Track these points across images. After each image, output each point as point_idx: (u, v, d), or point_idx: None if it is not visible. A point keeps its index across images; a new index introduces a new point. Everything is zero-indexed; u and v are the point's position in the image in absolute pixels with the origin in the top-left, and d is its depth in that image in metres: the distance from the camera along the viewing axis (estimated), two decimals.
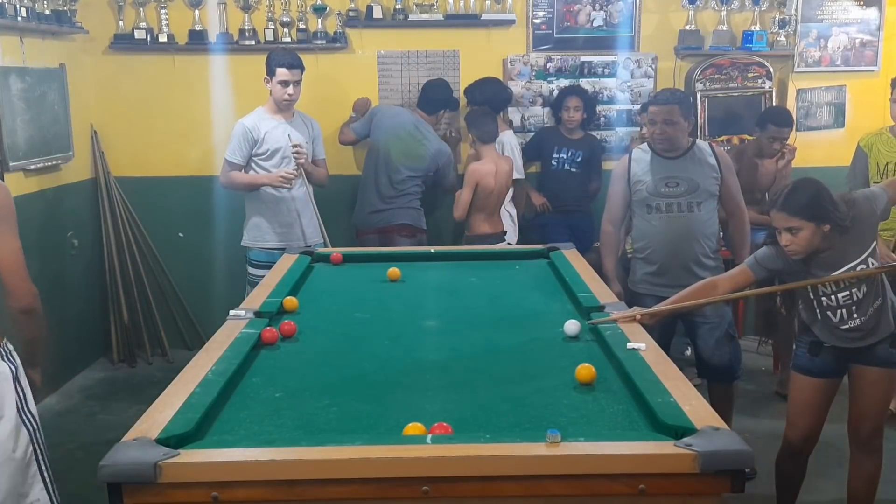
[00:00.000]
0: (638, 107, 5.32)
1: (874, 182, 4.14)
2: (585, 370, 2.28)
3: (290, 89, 4.34)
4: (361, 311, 3.09)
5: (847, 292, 2.91)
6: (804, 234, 2.82)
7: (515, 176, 5.08)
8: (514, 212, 5.18)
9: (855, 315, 2.92)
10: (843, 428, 3.17)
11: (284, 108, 4.43)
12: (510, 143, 5.15)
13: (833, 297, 2.93)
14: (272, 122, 4.43)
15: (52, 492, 2.64)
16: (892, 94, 4.20)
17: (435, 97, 5.03)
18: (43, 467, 2.61)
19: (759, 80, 5.34)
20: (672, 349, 3.80)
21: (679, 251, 3.71)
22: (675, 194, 3.70)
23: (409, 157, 4.88)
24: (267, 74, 4.35)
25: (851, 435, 3.12)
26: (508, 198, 5.05)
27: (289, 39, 5.22)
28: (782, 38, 5.39)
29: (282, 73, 4.30)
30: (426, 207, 5.16)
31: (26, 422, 2.56)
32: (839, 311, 2.94)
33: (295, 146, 4.40)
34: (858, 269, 2.88)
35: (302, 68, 4.37)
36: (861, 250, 2.89)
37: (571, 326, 2.70)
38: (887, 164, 4.26)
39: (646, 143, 3.88)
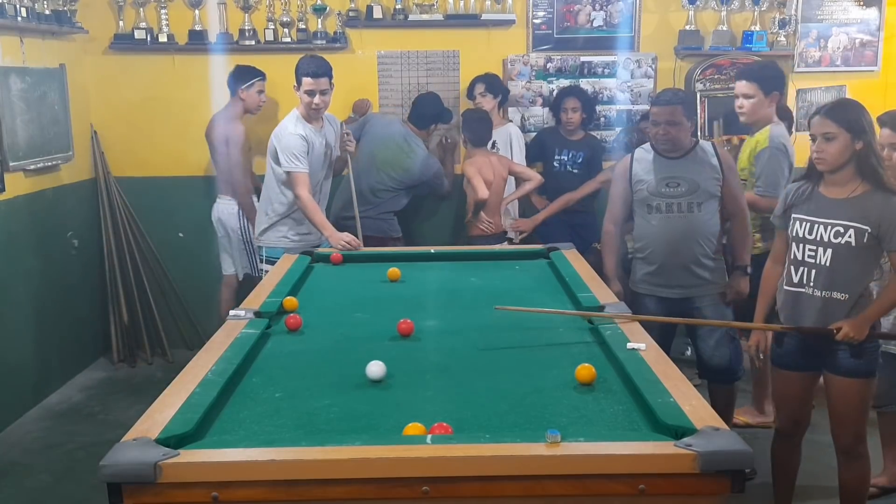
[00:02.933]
0: (638, 107, 5.32)
1: None
2: (585, 370, 2.28)
3: (317, 98, 4.16)
4: (361, 311, 3.09)
5: (813, 248, 2.94)
6: (836, 144, 2.88)
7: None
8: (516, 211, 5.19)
9: (811, 285, 2.96)
10: None
11: (314, 117, 4.27)
12: (517, 135, 5.14)
13: (802, 244, 2.97)
14: (310, 127, 4.28)
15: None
16: None
17: (426, 112, 4.93)
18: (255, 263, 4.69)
19: None
20: (672, 349, 3.80)
21: (678, 251, 3.70)
22: (676, 195, 3.69)
23: (393, 168, 4.81)
24: (295, 83, 4.19)
25: (835, 443, 3.12)
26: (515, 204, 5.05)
27: (289, 39, 5.22)
28: (782, 38, 5.39)
29: (307, 82, 4.13)
30: (424, 212, 5.15)
31: (244, 239, 4.92)
32: (801, 269, 2.98)
33: (346, 133, 4.43)
34: (834, 230, 2.89)
35: (329, 75, 4.19)
36: (852, 218, 2.87)
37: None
38: None
39: (648, 143, 3.88)
